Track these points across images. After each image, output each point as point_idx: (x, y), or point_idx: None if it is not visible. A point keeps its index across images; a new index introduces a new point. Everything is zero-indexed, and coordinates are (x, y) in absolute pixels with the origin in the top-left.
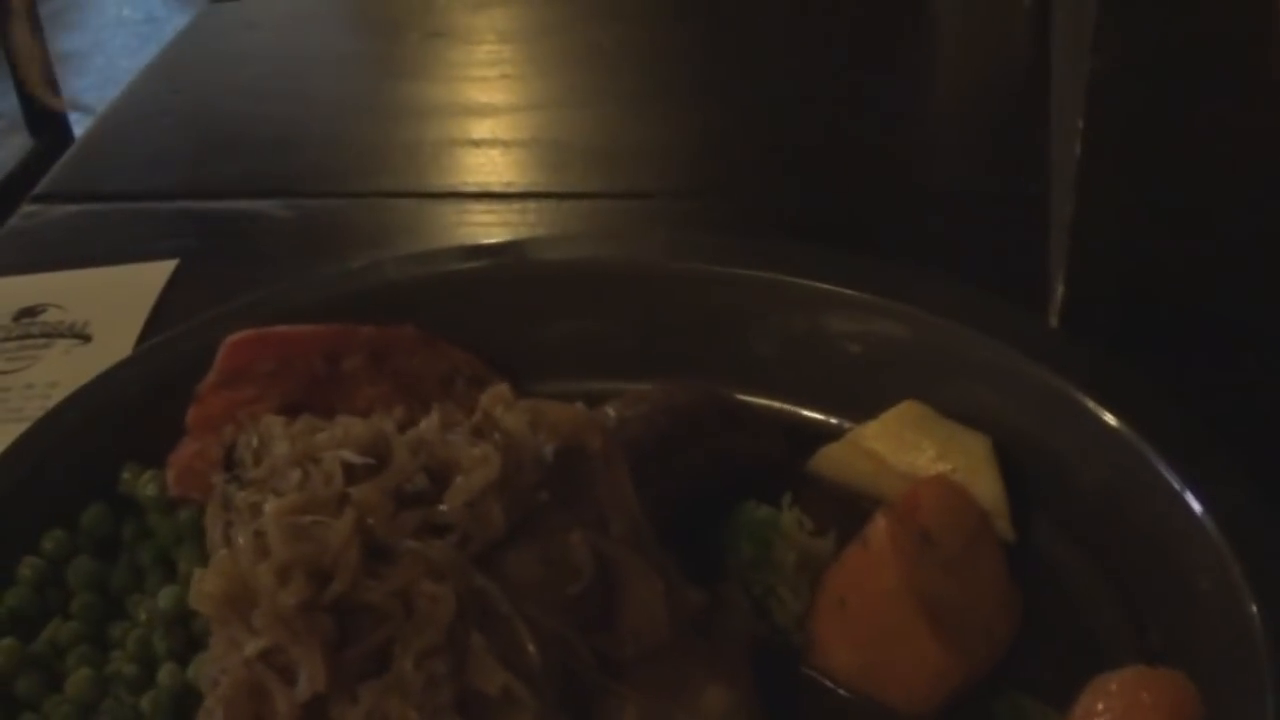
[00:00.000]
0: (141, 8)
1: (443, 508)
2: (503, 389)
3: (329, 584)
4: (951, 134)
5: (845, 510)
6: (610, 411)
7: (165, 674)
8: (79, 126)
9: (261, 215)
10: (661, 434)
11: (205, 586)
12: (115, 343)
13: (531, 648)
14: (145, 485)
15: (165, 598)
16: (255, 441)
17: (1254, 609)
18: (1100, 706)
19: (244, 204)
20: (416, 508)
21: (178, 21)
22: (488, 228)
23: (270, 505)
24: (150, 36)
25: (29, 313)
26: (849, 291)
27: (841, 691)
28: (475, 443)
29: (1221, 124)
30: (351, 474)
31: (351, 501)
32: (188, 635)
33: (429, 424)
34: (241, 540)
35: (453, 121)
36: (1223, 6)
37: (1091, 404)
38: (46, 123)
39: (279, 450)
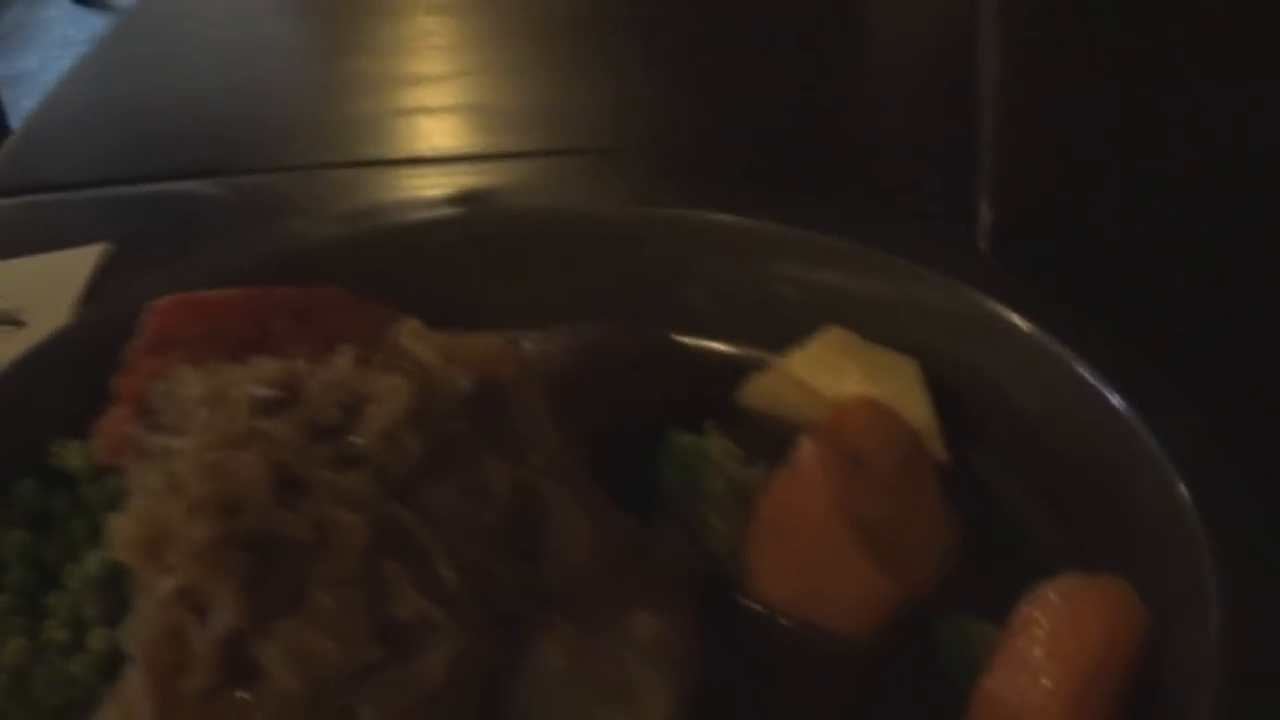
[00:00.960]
0: (85, 28)
1: (356, 439)
2: (415, 323)
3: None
4: (887, 81)
5: (776, 441)
6: (527, 345)
7: (96, 638)
8: None
9: (193, 196)
10: (581, 366)
11: (121, 532)
12: (49, 327)
13: (450, 575)
14: (74, 454)
15: (92, 562)
16: (168, 387)
17: (1195, 518)
18: (1038, 614)
19: (176, 186)
20: (330, 440)
21: None
22: (416, 193)
23: (179, 443)
24: None
25: None
26: (775, 225)
27: (781, 620)
28: (387, 374)
29: (1139, 32)
30: (262, 407)
31: (262, 435)
32: (118, 599)
33: (342, 359)
34: (154, 482)
35: (381, 93)
36: None
37: (1020, 323)
38: None
39: (190, 392)
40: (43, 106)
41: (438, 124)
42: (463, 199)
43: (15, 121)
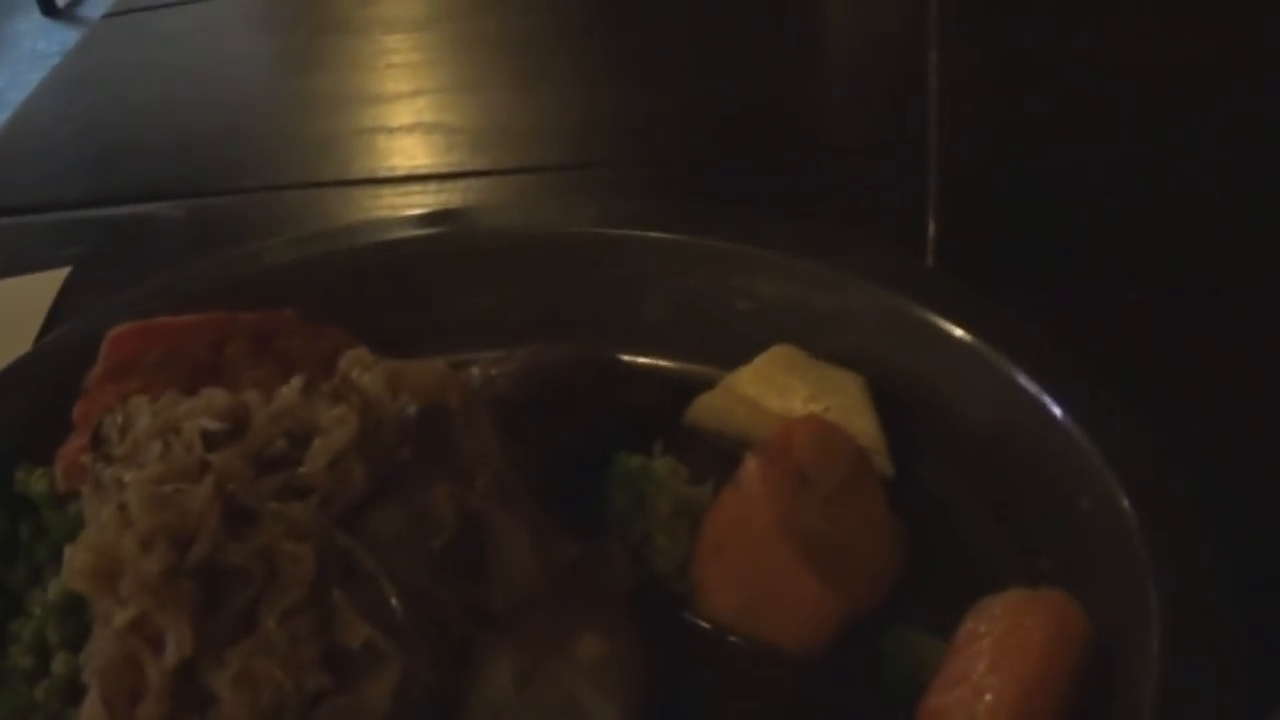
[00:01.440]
0: (56, 41)
1: (303, 470)
2: (360, 352)
3: (191, 549)
4: (842, 89)
5: (724, 458)
6: (475, 370)
7: (59, 663)
8: None
9: (154, 218)
10: (530, 390)
11: (75, 562)
12: (13, 352)
13: (395, 602)
14: (36, 481)
15: (54, 588)
16: (120, 419)
17: (1136, 527)
18: (982, 629)
19: (137, 208)
20: (278, 471)
21: None
22: (374, 213)
23: (131, 476)
24: None
25: None
26: (729, 243)
27: (729, 637)
28: (334, 405)
29: (1073, 57)
30: (212, 441)
31: (212, 468)
32: (81, 624)
33: (290, 390)
34: (106, 514)
35: (339, 113)
36: None
37: (964, 336)
38: None
39: (141, 424)
40: (6, 127)
41: (397, 143)
42: (420, 220)
43: None
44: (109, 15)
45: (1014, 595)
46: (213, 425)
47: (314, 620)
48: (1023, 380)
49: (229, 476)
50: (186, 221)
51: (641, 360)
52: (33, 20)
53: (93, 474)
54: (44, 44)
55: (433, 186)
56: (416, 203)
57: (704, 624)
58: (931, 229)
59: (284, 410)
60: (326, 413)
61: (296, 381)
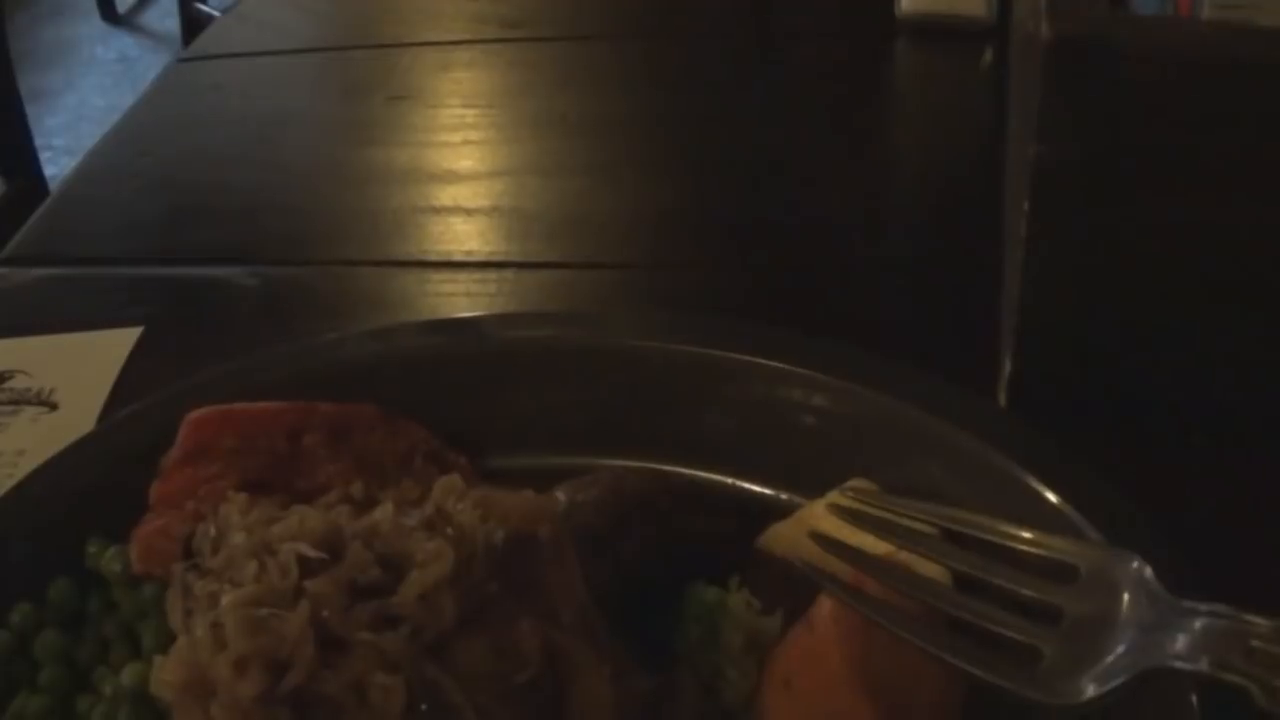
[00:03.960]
0: (114, 47)
1: (395, 600)
2: (454, 480)
3: (285, 675)
4: (911, 205)
5: (794, 586)
6: (560, 496)
7: None
8: (51, 166)
9: (226, 282)
10: (611, 519)
11: (165, 675)
12: (81, 411)
13: None
14: (110, 561)
15: (129, 674)
16: (213, 531)
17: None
18: None
19: (209, 271)
20: (370, 600)
21: (149, 61)
22: (449, 297)
23: (227, 597)
24: (123, 76)
25: None
26: (803, 371)
27: None
28: (429, 536)
29: (1162, 216)
30: (307, 566)
31: (307, 594)
32: (151, 711)
33: (383, 513)
34: (199, 631)
35: (416, 188)
36: (1167, 105)
37: (1032, 482)
38: (19, 165)
39: (236, 540)
40: (75, 173)
41: (474, 226)
42: (497, 322)
43: (39, 137)
44: (182, 60)
45: None
46: (310, 553)
47: None
48: (1087, 531)
49: (324, 604)
50: (258, 289)
51: (711, 477)
52: (92, 25)
53: (182, 582)
54: (102, 50)
55: (509, 275)
56: (493, 290)
57: None
58: (1008, 367)
59: (377, 536)
60: (421, 545)
61: (389, 505)
